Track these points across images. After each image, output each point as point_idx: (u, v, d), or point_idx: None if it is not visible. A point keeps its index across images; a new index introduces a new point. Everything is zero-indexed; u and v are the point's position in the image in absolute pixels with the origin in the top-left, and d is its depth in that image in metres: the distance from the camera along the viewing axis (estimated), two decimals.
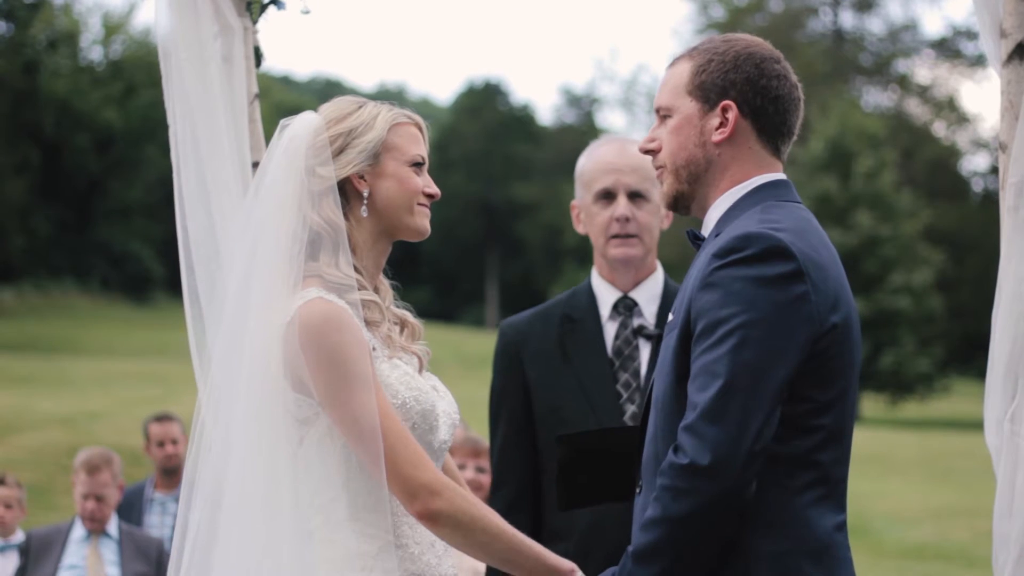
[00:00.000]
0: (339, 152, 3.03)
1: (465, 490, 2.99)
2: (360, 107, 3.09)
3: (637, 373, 4.03)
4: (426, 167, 3.13)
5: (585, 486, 3.49)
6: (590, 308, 4.12)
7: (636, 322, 4.08)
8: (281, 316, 2.91)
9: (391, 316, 3.13)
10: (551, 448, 3.87)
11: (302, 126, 3.05)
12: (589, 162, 4.17)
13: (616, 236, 4.07)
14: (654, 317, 4.09)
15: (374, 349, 2.98)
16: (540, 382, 4.06)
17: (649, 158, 4.03)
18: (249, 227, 3.03)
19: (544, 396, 4.04)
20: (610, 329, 4.10)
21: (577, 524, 3.93)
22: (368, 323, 3.00)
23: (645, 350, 4.05)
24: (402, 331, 3.15)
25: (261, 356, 2.92)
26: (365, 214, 3.05)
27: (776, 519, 2.74)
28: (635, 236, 4.07)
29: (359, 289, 3.00)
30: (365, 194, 3.05)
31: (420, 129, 3.15)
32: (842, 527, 2.83)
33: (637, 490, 2.94)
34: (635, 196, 4.08)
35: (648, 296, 4.12)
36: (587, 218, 4.16)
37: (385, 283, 3.16)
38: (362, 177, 3.05)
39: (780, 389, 2.69)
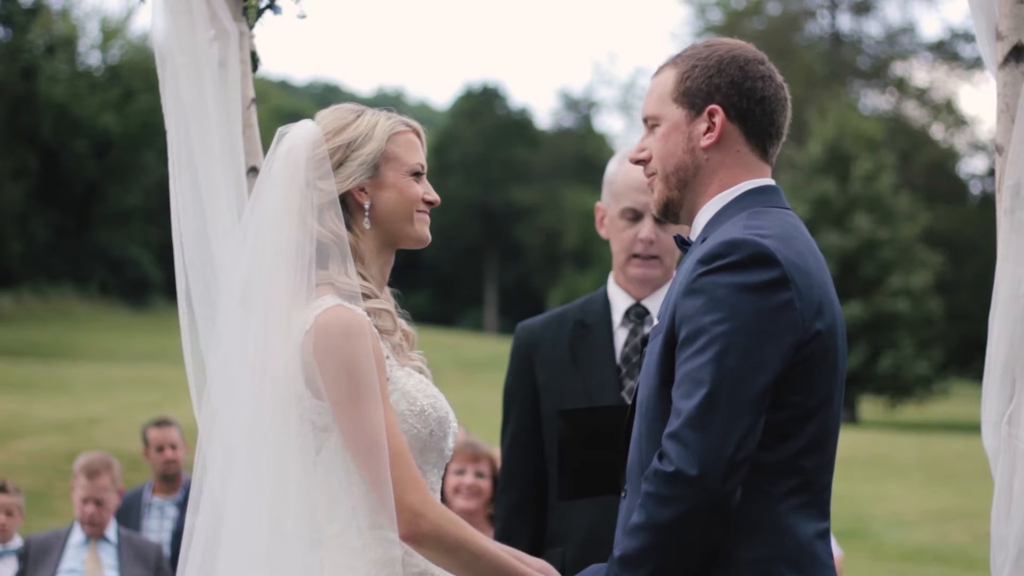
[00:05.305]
0: (339, 165, 3.02)
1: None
2: (358, 116, 3.07)
3: None
4: (424, 174, 3.12)
5: (586, 472, 3.46)
6: (603, 314, 4.11)
7: (646, 330, 4.05)
8: (299, 325, 2.90)
9: (400, 324, 3.12)
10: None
11: (300, 137, 3.02)
12: (620, 174, 4.12)
13: (637, 256, 4.06)
14: None
15: (388, 357, 2.98)
16: (548, 385, 4.04)
17: None
18: (248, 238, 3.01)
19: (550, 400, 4.03)
20: (620, 336, 4.08)
21: (579, 527, 3.93)
22: (381, 331, 3.00)
23: None
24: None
25: (276, 366, 2.90)
26: (368, 225, 3.04)
27: (758, 525, 2.73)
28: (656, 257, 4.06)
29: (371, 297, 3.00)
30: (366, 206, 3.04)
31: (419, 135, 3.13)
32: (824, 534, 2.81)
33: (622, 494, 2.93)
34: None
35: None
36: (611, 227, 4.13)
37: (387, 291, 3.15)
38: (363, 189, 3.04)
39: (763, 396, 2.68)
